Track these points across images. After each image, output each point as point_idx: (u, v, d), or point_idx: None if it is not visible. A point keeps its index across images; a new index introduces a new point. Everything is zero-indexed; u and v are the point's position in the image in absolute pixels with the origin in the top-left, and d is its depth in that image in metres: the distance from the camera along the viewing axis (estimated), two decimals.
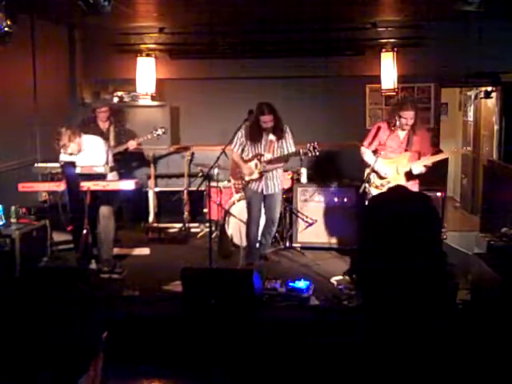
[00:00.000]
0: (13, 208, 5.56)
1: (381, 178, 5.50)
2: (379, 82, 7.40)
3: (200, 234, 7.16)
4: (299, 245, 6.59)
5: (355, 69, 7.57)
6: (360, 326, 1.43)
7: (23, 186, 5.40)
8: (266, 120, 5.51)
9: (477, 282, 4.53)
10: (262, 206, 5.84)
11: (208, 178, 5.43)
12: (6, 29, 4.74)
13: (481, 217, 6.65)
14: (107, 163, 5.68)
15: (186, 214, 7.35)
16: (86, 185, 5.28)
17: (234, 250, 6.36)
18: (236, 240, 6.39)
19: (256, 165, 5.66)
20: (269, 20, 7.20)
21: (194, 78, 7.75)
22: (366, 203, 5.28)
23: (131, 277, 5.46)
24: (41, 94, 6.58)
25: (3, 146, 6.01)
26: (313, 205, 6.63)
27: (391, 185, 5.29)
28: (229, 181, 6.85)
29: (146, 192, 7.48)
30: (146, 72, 7.51)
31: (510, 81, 7.49)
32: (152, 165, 7.62)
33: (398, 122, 5.39)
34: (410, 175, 5.49)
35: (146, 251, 6.59)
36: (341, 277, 5.35)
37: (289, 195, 6.69)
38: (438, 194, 6.29)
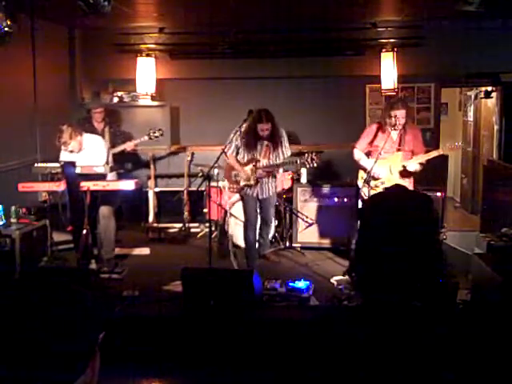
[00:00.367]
0: (13, 208, 5.56)
1: (375, 178, 5.50)
2: (379, 82, 7.40)
3: (200, 234, 7.16)
4: (299, 245, 6.60)
5: (355, 69, 7.57)
6: (360, 326, 1.43)
7: (23, 186, 5.40)
8: (264, 128, 5.46)
9: (477, 282, 4.53)
10: (258, 208, 5.83)
11: (208, 177, 5.43)
12: (6, 29, 4.74)
13: (481, 217, 6.65)
14: (107, 163, 5.68)
15: (186, 213, 7.36)
16: (85, 185, 5.28)
17: (234, 250, 6.36)
18: (236, 240, 6.39)
19: (252, 170, 5.63)
20: (269, 20, 7.20)
21: (194, 77, 7.75)
22: (364, 203, 5.30)
23: (131, 277, 5.46)
24: (41, 94, 6.57)
25: (3, 146, 6.01)
26: (313, 205, 6.63)
27: (386, 185, 5.29)
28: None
29: (146, 192, 7.48)
30: (146, 72, 7.51)
31: (510, 81, 7.49)
32: (152, 165, 7.63)
33: (389, 122, 5.41)
34: (403, 174, 5.50)
35: (146, 251, 6.59)
36: (341, 277, 5.35)
37: (289, 195, 6.70)
38: (438, 193, 6.29)
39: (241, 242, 6.14)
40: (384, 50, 7.31)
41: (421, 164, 5.44)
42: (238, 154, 5.69)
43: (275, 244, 6.57)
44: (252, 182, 5.62)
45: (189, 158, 7.62)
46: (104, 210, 5.66)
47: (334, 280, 5.36)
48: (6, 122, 6.07)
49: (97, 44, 7.71)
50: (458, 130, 9.87)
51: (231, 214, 6.48)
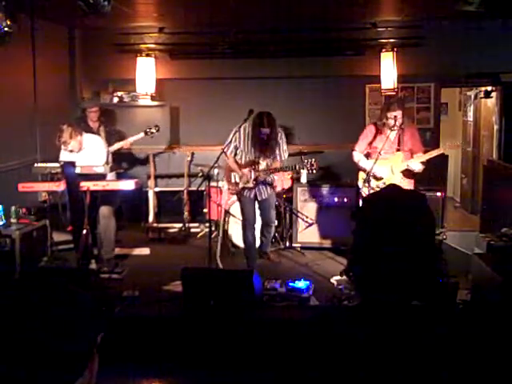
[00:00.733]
0: (13, 208, 5.56)
1: (377, 179, 5.51)
2: (379, 82, 7.40)
3: (200, 234, 7.16)
4: (299, 245, 6.60)
5: (355, 69, 7.57)
6: (360, 326, 1.43)
7: (23, 186, 5.41)
8: (265, 133, 5.47)
9: (477, 282, 4.53)
10: (257, 209, 5.82)
11: (208, 177, 5.42)
12: (6, 29, 4.74)
13: (481, 217, 6.65)
14: (107, 163, 5.69)
15: (186, 213, 7.36)
16: (85, 185, 5.29)
17: (234, 250, 6.37)
18: (236, 240, 6.39)
19: (250, 172, 5.61)
20: (269, 20, 7.20)
21: (194, 77, 7.75)
22: (360, 204, 5.31)
23: (131, 277, 5.46)
24: (41, 94, 6.57)
25: (3, 146, 6.01)
26: (313, 205, 6.63)
27: None
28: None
29: (146, 192, 7.49)
30: (146, 72, 7.51)
31: (510, 81, 7.49)
32: (152, 165, 7.63)
33: (386, 123, 5.43)
34: (405, 174, 5.51)
35: (146, 251, 6.59)
36: (340, 277, 5.35)
37: (289, 195, 6.69)
38: (438, 193, 6.30)
39: (241, 242, 6.13)
40: (384, 50, 7.31)
41: (422, 163, 5.46)
42: (236, 154, 5.67)
43: (275, 244, 6.57)
44: (251, 185, 5.61)
45: (189, 158, 7.62)
46: (104, 210, 5.67)
47: (333, 280, 5.36)
48: (6, 122, 6.07)
49: (97, 44, 7.71)
50: (458, 129, 9.87)
51: (231, 214, 6.48)
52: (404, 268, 1.17)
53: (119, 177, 6.32)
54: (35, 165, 5.61)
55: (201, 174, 6.80)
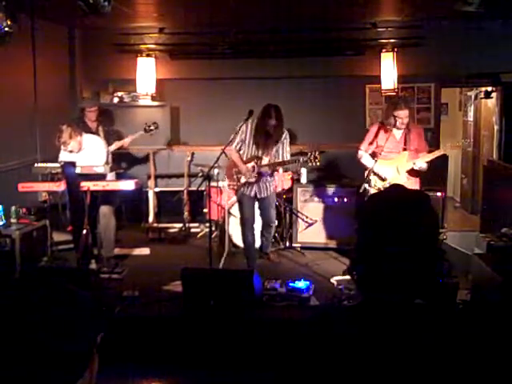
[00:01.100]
0: (13, 208, 5.56)
1: (382, 179, 5.49)
2: (379, 82, 7.40)
3: (200, 234, 7.16)
4: (299, 245, 6.60)
5: (355, 69, 7.56)
6: (360, 326, 1.43)
7: (23, 186, 5.41)
8: (272, 124, 5.48)
9: (477, 282, 4.53)
10: (257, 208, 5.82)
11: (208, 177, 5.43)
12: (6, 29, 4.74)
13: (481, 217, 6.65)
14: (107, 163, 5.69)
15: (186, 213, 7.36)
16: (86, 185, 5.29)
17: (234, 250, 6.36)
18: (236, 240, 6.38)
19: (254, 168, 5.64)
20: (269, 20, 7.20)
21: (194, 78, 7.75)
22: (364, 202, 5.29)
23: (131, 277, 5.46)
24: (41, 94, 6.57)
25: (3, 146, 6.01)
26: (313, 205, 6.63)
27: None
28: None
29: (146, 192, 7.49)
30: (146, 72, 7.51)
31: (510, 81, 7.49)
32: (152, 165, 7.63)
33: (392, 123, 5.40)
34: (411, 174, 5.49)
35: (146, 251, 6.59)
36: (341, 277, 5.35)
37: (289, 195, 6.69)
38: (438, 193, 6.29)
39: (241, 242, 6.13)
40: (384, 50, 7.31)
41: (426, 162, 5.43)
42: (240, 150, 5.69)
43: (275, 244, 6.57)
44: (253, 179, 5.62)
45: (189, 158, 7.61)
46: (104, 210, 5.67)
47: (333, 280, 5.36)
48: (6, 122, 6.07)
49: (97, 44, 7.71)
50: (458, 130, 9.87)
51: (231, 214, 6.47)
52: (407, 268, 1.18)
53: (119, 177, 6.32)
54: (35, 165, 5.62)
55: (201, 174, 6.79)
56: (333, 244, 6.53)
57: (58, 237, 6.05)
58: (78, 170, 5.39)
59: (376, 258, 1.43)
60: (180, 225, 7.33)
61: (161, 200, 7.57)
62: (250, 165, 5.63)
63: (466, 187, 9.22)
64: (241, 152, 5.69)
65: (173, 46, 7.69)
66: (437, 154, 5.52)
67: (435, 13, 6.71)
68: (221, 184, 6.70)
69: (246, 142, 5.62)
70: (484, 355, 1.40)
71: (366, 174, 5.52)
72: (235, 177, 5.75)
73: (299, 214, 6.61)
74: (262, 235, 5.98)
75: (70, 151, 5.55)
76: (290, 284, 4.87)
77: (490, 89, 8.01)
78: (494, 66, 7.29)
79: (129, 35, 7.54)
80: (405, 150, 5.50)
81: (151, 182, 7.53)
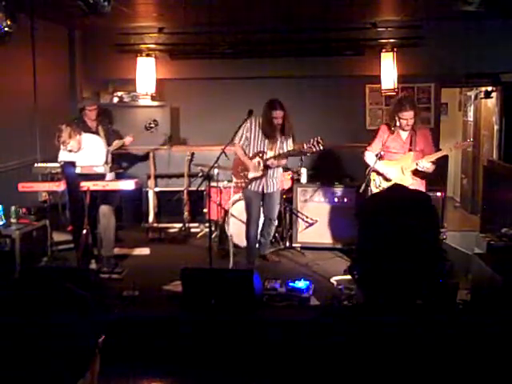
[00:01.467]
0: (13, 208, 5.56)
1: (387, 180, 5.48)
2: (379, 82, 7.40)
3: (200, 234, 7.16)
4: (299, 245, 6.60)
5: (355, 69, 7.56)
6: (360, 326, 1.43)
7: (23, 186, 5.40)
8: (278, 116, 5.53)
9: (477, 282, 4.53)
10: (261, 205, 5.85)
11: (208, 177, 5.43)
12: (6, 29, 4.74)
13: (481, 217, 6.65)
14: (106, 163, 5.69)
15: (186, 213, 7.35)
16: (85, 185, 5.29)
17: (234, 250, 6.36)
18: (236, 240, 6.38)
19: (259, 162, 5.68)
20: (269, 20, 7.20)
21: (194, 77, 7.75)
22: (365, 201, 5.27)
23: (131, 277, 5.45)
24: (41, 94, 6.57)
25: (3, 146, 6.01)
26: (313, 205, 6.63)
27: None
28: (229, 181, 6.83)
29: (146, 192, 7.49)
30: (146, 72, 7.51)
31: (510, 81, 7.49)
32: (152, 165, 7.63)
33: (398, 123, 5.37)
34: (416, 175, 5.46)
35: (145, 251, 6.59)
36: (341, 277, 5.35)
37: (289, 195, 6.69)
38: (438, 193, 6.29)
39: (240, 242, 6.13)
40: (384, 50, 7.30)
41: (432, 163, 5.39)
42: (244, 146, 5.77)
43: (275, 244, 6.57)
44: (260, 173, 5.66)
45: (189, 158, 7.61)
46: (104, 209, 5.67)
47: (333, 280, 5.36)
48: (6, 122, 6.07)
49: (97, 44, 7.72)
50: (458, 130, 9.87)
51: (231, 214, 6.48)
52: (407, 268, 1.18)
53: (119, 177, 6.32)
54: (35, 165, 5.61)
55: (201, 174, 6.79)
56: (333, 244, 6.53)
57: (57, 237, 6.05)
58: (77, 170, 5.39)
59: (376, 257, 1.43)
60: (180, 225, 7.33)
61: (161, 200, 7.57)
62: (255, 160, 5.69)
63: (466, 187, 9.22)
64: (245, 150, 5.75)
65: (173, 46, 7.69)
66: (440, 154, 5.48)
67: (435, 13, 6.71)
68: (221, 184, 6.71)
69: (251, 138, 5.67)
70: (484, 355, 1.40)
71: (366, 173, 5.50)
72: (242, 174, 5.78)
73: (299, 214, 6.61)
74: (262, 234, 5.99)
75: (70, 150, 5.55)
76: (290, 284, 4.87)
77: (489, 89, 8.01)
78: (494, 66, 7.29)
79: (129, 35, 7.54)
80: (410, 150, 5.47)
81: (151, 182, 7.52)
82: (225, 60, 7.67)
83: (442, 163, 5.80)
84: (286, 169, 6.60)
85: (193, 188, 7.20)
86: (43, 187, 5.68)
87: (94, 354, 1.14)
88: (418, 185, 5.33)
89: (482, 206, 6.74)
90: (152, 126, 6.93)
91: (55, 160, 5.65)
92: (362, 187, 5.33)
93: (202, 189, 6.49)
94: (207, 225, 5.89)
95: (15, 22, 4.84)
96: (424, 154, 5.44)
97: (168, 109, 7.86)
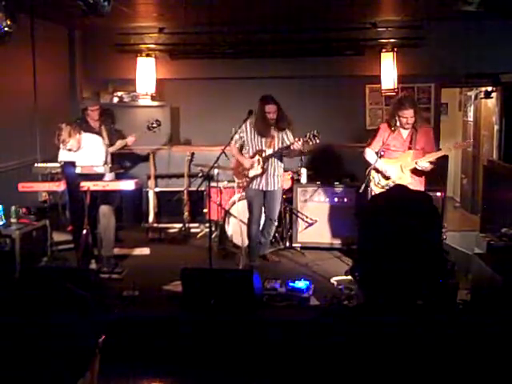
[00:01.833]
0: (13, 208, 5.56)
1: (386, 178, 5.48)
2: (379, 82, 7.39)
3: (200, 234, 7.16)
4: (299, 245, 6.60)
5: (355, 69, 7.56)
6: (360, 326, 1.43)
7: (23, 186, 5.40)
8: (271, 110, 5.56)
9: (477, 282, 4.53)
10: (263, 204, 5.87)
11: (208, 178, 5.43)
12: (6, 29, 4.74)
13: (481, 217, 6.65)
14: (106, 162, 5.69)
15: (186, 214, 7.35)
16: (86, 185, 5.29)
17: (233, 250, 6.36)
18: (236, 240, 6.39)
19: (258, 160, 5.70)
20: (269, 20, 7.20)
21: (194, 77, 7.74)
22: (367, 202, 5.27)
23: (131, 277, 5.45)
24: (41, 94, 6.57)
25: (3, 146, 6.01)
26: (313, 205, 6.63)
27: None
28: (229, 181, 6.84)
29: (146, 192, 7.49)
30: (146, 72, 7.51)
31: (510, 81, 7.49)
32: (152, 165, 7.63)
33: (398, 122, 5.37)
34: (415, 174, 5.46)
35: (146, 251, 6.59)
36: (341, 277, 5.36)
37: (289, 195, 6.70)
38: (438, 193, 6.28)
39: (240, 242, 6.13)
40: (384, 50, 7.30)
41: (431, 163, 5.39)
42: (242, 147, 5.81)
43: (275, 244, 6.57)
44: (259, 171, 5.68)
45: (189, 158, 7.61)
46: (104, 209, 5.67)
47: (334, 280, 5.37)
48: (6, 122, 6.07)
49: (97, 44, 7.71)
50: (458, 130, 9.87)
51: (231, 214, 6.48)
52: (408, 268, 1.18)
53: (119, 177, 6.32)
54: (35, 165, 5.61)
55: (201, 174, 6.79)
56: (333, 244, 6.53)
57: (57, 237, 6.05)
58: (78, 170, 5.38)
59: (376, 258, 1.43)
60: (180, 225, 7.33)
61: (161, 200, 7.56)
62: (254, 159, 5.74)
63: (466, 187, 9.22)
64: (244, 151, 5.81)
65: (173, 46, 7.69)
66: (440, 153, 5.47)
67: (435, 13, 6.71)
68: (221, 184, 6.71)
69: (248, 138, 5.69)
70: (484, 355, 1.40)
71: (367, 172, 5.50)
72: (243, 173, 5.81)
73: (299, 214, 6.61)
74: (262, 234, 5.99)
75: (69, 149, 5.54)
76: (290, 284, 4.88)
77: (489, 89, 8.01)
78: (494, 66, 7.29)
79: (129, 35, 7.54)
80: (410, 148, 5.46)
81: (151, 182, 7.52)
82: (225, 60, 7.67)
83: (442, 163, 5.79)
84: (286, 169, 6.60)
85: (193, 188, 7.20)
86: (43, 187, 5.68)
87: (93, 354, 1.15)
88: (416, 183, 5.33)
89: (482, 206, 6.73)
90: (155, 126, 6.95)
91: (55, 160, 5.65)
92: (362, 187, 5.32)
93: (202, 189, 6.49)
94: (207, 225, 5.89)
95: (15, 22, 4.84)
96: (424, 153, 5.44)
97: (168, 109, 7.86)
